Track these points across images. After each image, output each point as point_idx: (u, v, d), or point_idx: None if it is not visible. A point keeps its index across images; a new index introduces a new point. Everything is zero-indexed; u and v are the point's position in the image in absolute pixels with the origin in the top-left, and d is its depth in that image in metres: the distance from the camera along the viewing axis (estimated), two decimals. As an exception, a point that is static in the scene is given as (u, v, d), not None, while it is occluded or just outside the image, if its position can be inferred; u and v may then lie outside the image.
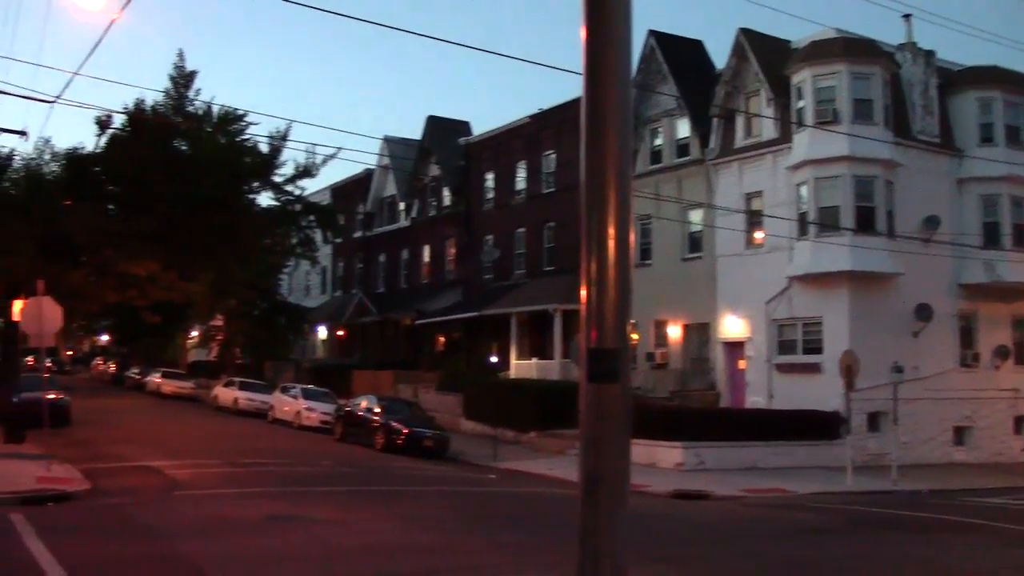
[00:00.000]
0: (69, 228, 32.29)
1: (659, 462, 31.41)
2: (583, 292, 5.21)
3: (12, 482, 21.17)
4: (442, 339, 58.97)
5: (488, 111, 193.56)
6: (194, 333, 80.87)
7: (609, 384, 5.27)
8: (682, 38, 45.19)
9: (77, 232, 32.38)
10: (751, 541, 18.73)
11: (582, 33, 5.17)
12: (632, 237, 5.26)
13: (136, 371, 72.61)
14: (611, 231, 5.09)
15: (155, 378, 65.85)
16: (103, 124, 36.82)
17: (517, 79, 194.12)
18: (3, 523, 16.30)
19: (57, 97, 24.23)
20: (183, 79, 39.48)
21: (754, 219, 39.80)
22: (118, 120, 37.51)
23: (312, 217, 48.79)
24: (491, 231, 55.66)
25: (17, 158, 36.02)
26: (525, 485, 27.38)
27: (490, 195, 56.55)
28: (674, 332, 43.00)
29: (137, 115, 37.25)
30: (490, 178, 56.53)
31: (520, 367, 48.59)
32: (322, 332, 72.12)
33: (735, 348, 40.49)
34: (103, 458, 27.54)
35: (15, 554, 13.46)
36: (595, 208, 5.13)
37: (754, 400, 38.84)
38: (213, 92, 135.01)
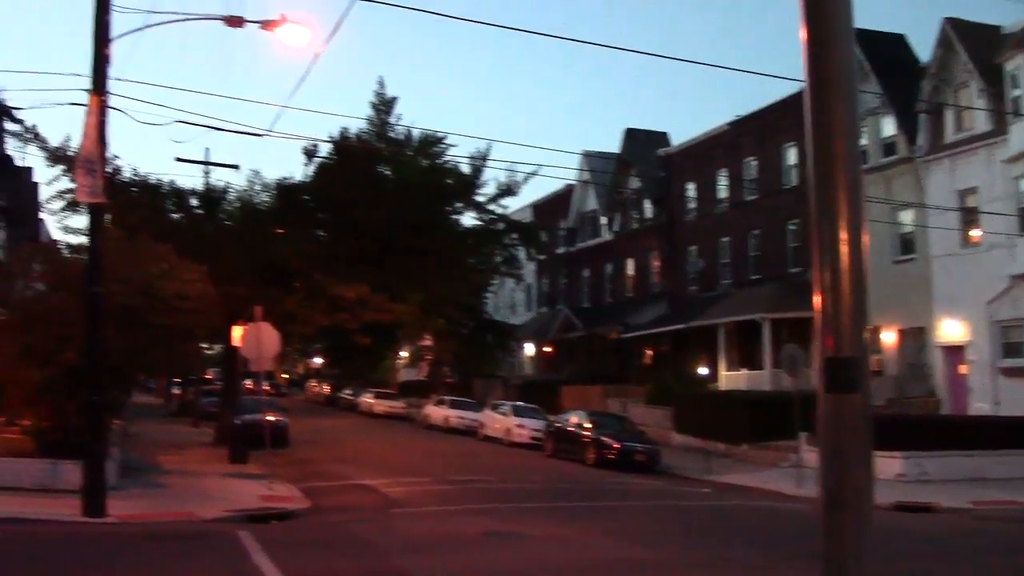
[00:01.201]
0: (282, 255, 33.36)
1: (878, 473, 30.01)
2: (817, 300, 5.04)
3: (238, 501, 21.87)
4: (649, 352, 58.43)
5: (684, 121, 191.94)
6: (404, 353, 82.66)
7: (849, 394, 4.99)
8: (882, 33, 43.57)
9: (290, 259, 33.41)
10: (999, 557, 17.61)
11: (802, 35, 5.12)
12: (866, 240, 5.06)
13: (349, 392, 74.50)
14: (844, 236, 5.00)
15: (367, 398, 67.41)
16: (310, 153, 38.01)
17: (711, 88, 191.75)
18: (232, 540, 16.75)
19: (268, 130, 25.01)
20: (384, 106, 40.37)
21: (969, 217, 38.00)
22: (324, 149, 38.63)
23: (515, 235, 49.09)
24: (694, 241, 54.89)
25: (231, 190, 37.48)
26: (741, 498, 26.64)
27: (692, 205, 55.82)
28: (888, 337, 41.38)
29: (342, 143, 38.22)
30: (691, 188, 55.80)
31: (729, 378, 47.65)
32: (529, 349, 72.53)
33: (954, 352, 38.63)
34: (321, 477, 28.20)
35: (244, 569, 13.80)
36: (826, 215, 5.09)
37: (978, 406, 36.89)
38: (413, 117, 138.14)
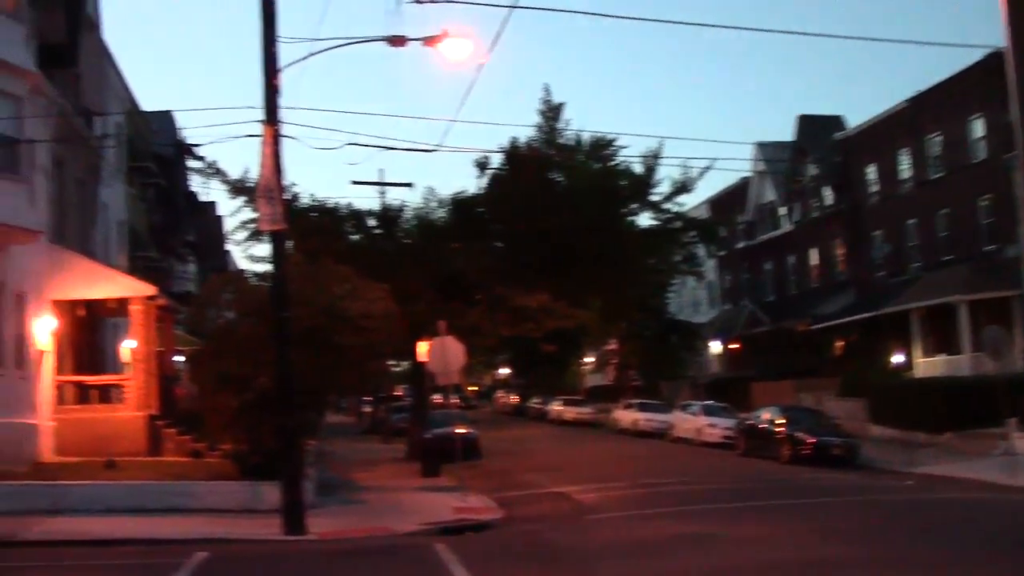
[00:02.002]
0: (461, 269, 33.69)
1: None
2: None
3: (432, 513, 22.10)
4: (839, 343, 56.79)
5: (857, 102, 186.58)
6: (590, 359, 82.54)
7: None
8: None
9: (469, 272, 33.72)
10: None
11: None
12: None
13: (537, 401, 74.74)
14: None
15: (556, 406, 67.51)
16: (482, 165, 38.30)
17: (883, 65, 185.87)
18: (429, 553, 16.93)
19: (438, 145, 25.27)
20: (551, 112, 40.35)
21: None
22: (494, 160, 38.86)
23: (693, 232, 48.41)
24: (879, 225, 53.07)
25: (407, 208, 38.09)
26: (948, 491, 25.47)
27: (873, 188, 53.96)
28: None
29: (513, 153, 38.37)
30: (871, 171, 53.96)
31: (925, 365, 45.82)
32: (715, 347, 71.48)
33: None
34: (514, 487, 28.29)
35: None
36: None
37: None
38: (582, 121, 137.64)
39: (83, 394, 29.49)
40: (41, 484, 22.59)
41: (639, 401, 55.45)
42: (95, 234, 35.31)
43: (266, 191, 20.26)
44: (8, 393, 24.83)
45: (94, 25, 33.57)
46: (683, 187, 41.58)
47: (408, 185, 39.12)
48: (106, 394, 29.65)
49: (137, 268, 39.07)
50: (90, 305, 31.02)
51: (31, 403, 26.59)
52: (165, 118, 48.89)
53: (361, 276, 25.40)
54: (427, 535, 19.44)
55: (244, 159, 79.87)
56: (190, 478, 23.47)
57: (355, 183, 38.45)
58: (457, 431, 30.06)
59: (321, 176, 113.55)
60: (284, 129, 20.46)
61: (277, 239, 20.76)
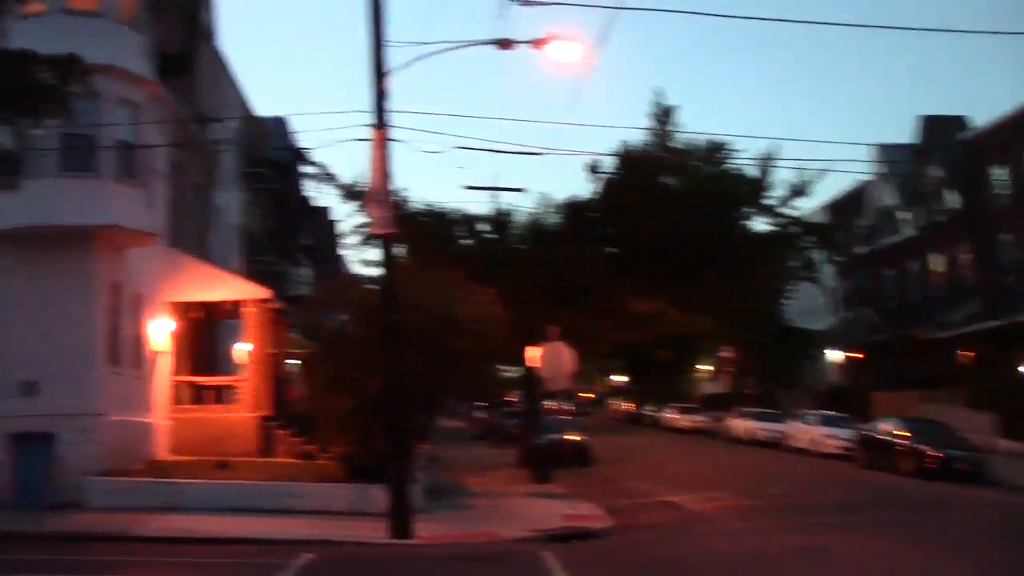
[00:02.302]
0: (573, 273, 33.36)
1: None
2: None
3: (540, 520, 21.82)
4: (965, 352, 54.98)
5: (982, 101, 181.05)
6: (705, 366, 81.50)
7: None
8: None
9: (581, 276, 33.38)
10: None
11: None
12: None
13: (650, 408, 74.03)
14: None
15: (669, 413, 66.76)
16: (594, 169, 37.93)
17: (1011, 62, 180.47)
18: (535, 561, 16.69)
19: (547, 148, 25.02)
20: (663, 115, 39.77)
21: None
22: (603, 164, 38.50)
23: (811, 237, 47.30)
24: (1008, 229, 51.15)
25: (518, 213, 37.94)
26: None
27: (1001, 191, 52.13)
28: None
29: (626, 156, 37.93)
30: (999, 172, 52.13)
31: (1059, 377, 44.05)
32: (833, 355, 69.89)
33: None
34: (624, 495, 27.87)
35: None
36: None
37: None
38: (695, 124, 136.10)
39: (198, 394, 29.97)
40: (156, 481, 23.07)
41: (754, 410, 54.48)
42: (212, 238, 35.94)
43: (376, 195, 20.29)
44: (125, 392, 25.31)
45: (210, 34, 34.18)
46: (800, 190, 40.57)
47: (520, 190, 39.04)
48: (220, 395, 30.08)
49: (252, 271, 39.59)
50: (206, 307, 31.52)
51: (148, 402, 27.12)
52: (279, 123, 49.60)
53: (471, 280, 25.31)
54: (534, 542, 19.17)
55: (355, 163, 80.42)
56: (300, 480, 23.67)
57: (468, 188, 38.51)
58: (568, 437, 29.79)
59: (430, 180, 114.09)
60: (392, 133, 20.49)
61: (387, 243, 20.77)
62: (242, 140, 42.06)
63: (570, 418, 49.18)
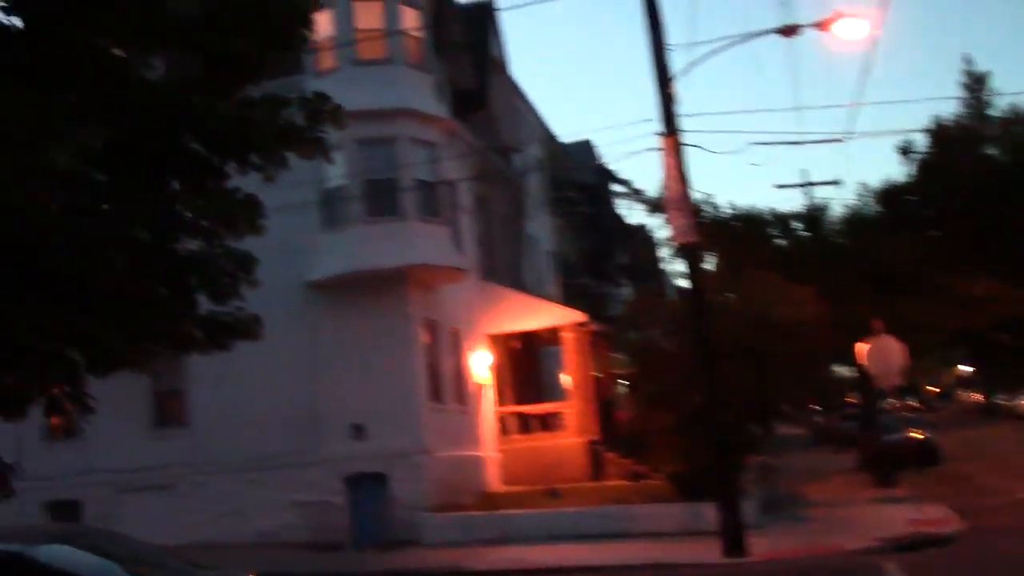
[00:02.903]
0: (895, 262, 31.54)
1: None
2: None
3: (883, 528, 20.57)
4: None
5: None
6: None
7: None
8: None
9: (904, 264, 31.51)
10: None
11: None
12: None
13: (1004, 398, 69.11)
14: None
15: (1024, 402, 62.09)
16: (905, 151, 36.03)
17: None
18: (879, 574, 15.57)
19: (848, 132, 23.71)
20: (975, 83, 37.13)
21: None
22: (918, 143, 36.43)
23: None
24: None
25: (831, 205, 36.52)
26: None
27: None
28: None
29: (939, 132, 35.72)
30: None
31: None
32: None
33: None
34: (977, 494, 25.95)
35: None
36: None
37: None
38: (1012, 87, 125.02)
39: (524, 424, 30.26)
40: (487, 514, 23.32)
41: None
42: (525, 266, 36.35)
43: (674, 203, 19.75)
44: (450, 427, 25.85)
45: (501, 66, 34.63)
46: None
47: (835, 183, 37.46)
48: (546, 422, 30.24)
49: (570, 296, 39.76)
50: (525, 336, 31.87)
51: (474, 436, 27.61)
52: (583, 146, 49.77)
53: (787, 281, 24.29)
54: (878, 553, 17.94)
55: (657, 174, 79.66)
56: (629, 502, 23.30)
57: (779, 187, 37.25)
58: (911, 436, 28.03)
59: (729, 182, 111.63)
60: (684, 137, 19.91)
61: (691, 251, 20.15)
62: (546, 166, 42.47)
63: (913, 415, 46.64)
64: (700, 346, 19.35)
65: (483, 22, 34.04)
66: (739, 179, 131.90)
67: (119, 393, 25.85)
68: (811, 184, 36.48)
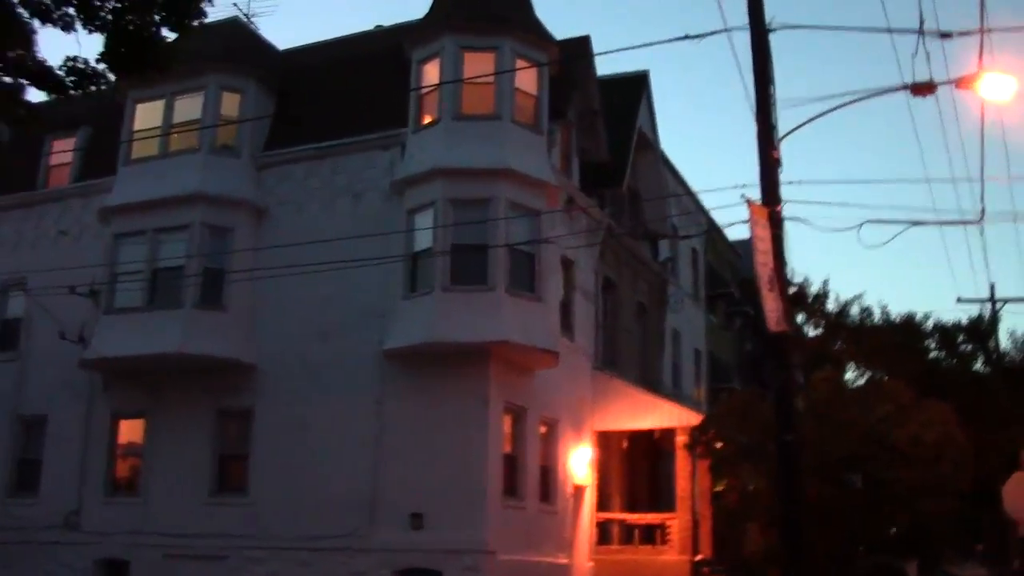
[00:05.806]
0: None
1: None
2: None
3: None
4: None
5: None
6: None
7: None
8: None
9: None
10: None
11: None
12: None
13: None
14: None
15: None
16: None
17: None
18: None
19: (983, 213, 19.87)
20: None
21: None
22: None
23: None
24: None
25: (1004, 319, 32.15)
26: None
27: None
28: None
29: None
30: None
31: None
32: None
33: None
34: None
35: None
36: None
37: None
38: None
39: (627, 533, 26.94)
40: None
41: None
42: (661, 362, 33.22)
43: (768, 283, 16.61)
44: (527, 528, 22.77)
45: (650, 144, 31.88)
46: None
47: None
48: (652, 534, 26.82)
49: (721, 400, 36.41)
50: (643, 436, 28.78)
51: (561, 540, 24.45)
52: (747, 243, 46.44)
53: (923, 395, 20.54)
54: None
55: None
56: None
57: (960, 301, 32.92)
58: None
59: (830, 264, 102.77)
60: (786, 209, 16.78)
61: (780, 343, 16.83)
62: (704, 260, 39.41)
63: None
64: (782, 456, 15.95)
65: (634, 94, 31.50)
66: (853, 261, 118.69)
67: (185, 451, 24.44)
68: (996, 300, 32.11)
